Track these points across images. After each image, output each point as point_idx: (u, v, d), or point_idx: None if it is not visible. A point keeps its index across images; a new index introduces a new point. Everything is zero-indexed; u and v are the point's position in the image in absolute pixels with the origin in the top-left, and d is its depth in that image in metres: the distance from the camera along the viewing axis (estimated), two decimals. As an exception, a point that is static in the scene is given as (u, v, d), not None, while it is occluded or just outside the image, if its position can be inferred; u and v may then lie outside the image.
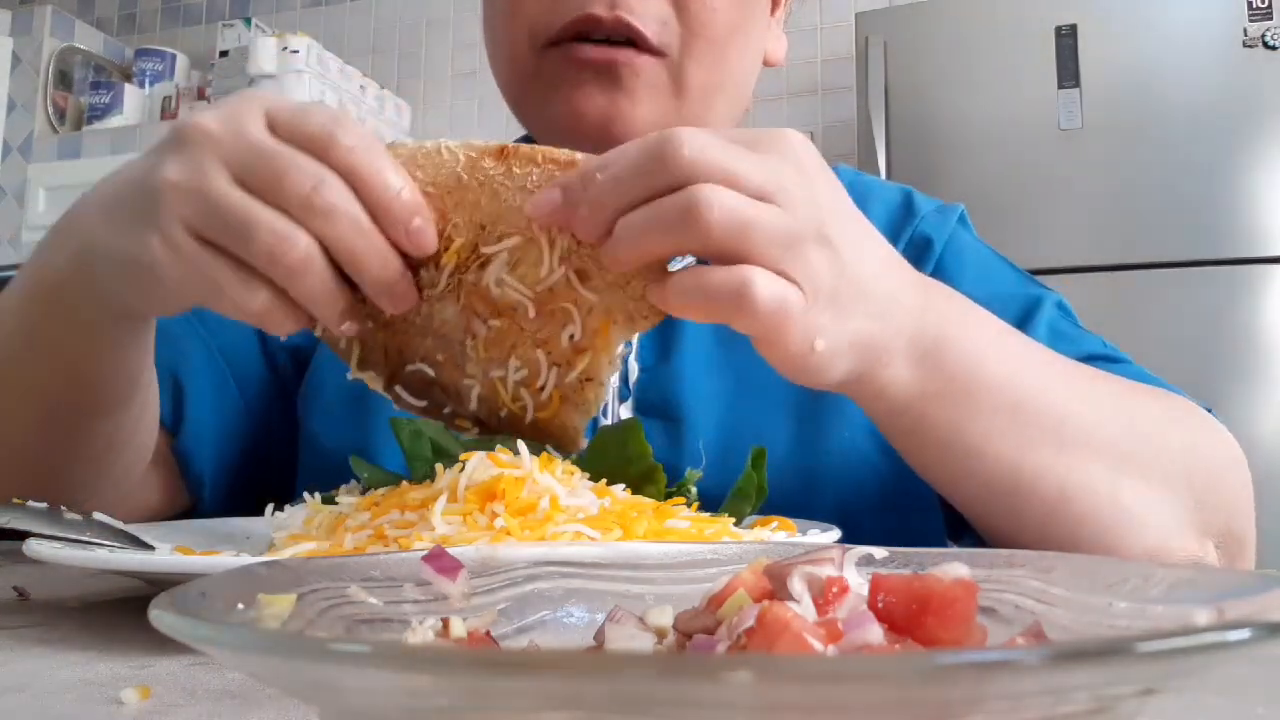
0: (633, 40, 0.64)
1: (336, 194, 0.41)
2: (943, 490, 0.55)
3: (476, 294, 0.45)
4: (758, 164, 0.40)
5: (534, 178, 0.43)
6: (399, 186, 0.42)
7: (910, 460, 0.54)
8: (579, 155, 0.43)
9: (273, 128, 0.42)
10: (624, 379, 0.68)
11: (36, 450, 0.57)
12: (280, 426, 0.76)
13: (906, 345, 0.46)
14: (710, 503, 0.56)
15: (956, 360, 0.48)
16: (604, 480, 0.50)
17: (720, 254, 0.40)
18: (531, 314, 0.45)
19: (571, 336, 0.45)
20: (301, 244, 0.41)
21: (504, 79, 0.71)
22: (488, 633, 0.27)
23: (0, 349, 0.55)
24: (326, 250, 0.42)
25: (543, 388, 0.46)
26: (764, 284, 0.40)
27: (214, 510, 0.71)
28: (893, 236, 0.74)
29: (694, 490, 0.56)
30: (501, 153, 0.44)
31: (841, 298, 0.43)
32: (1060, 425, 0.51)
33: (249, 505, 0.72)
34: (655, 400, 0.68)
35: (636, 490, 0.52)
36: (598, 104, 0.64)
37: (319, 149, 0.41)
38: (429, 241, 0.43)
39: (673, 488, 0.56)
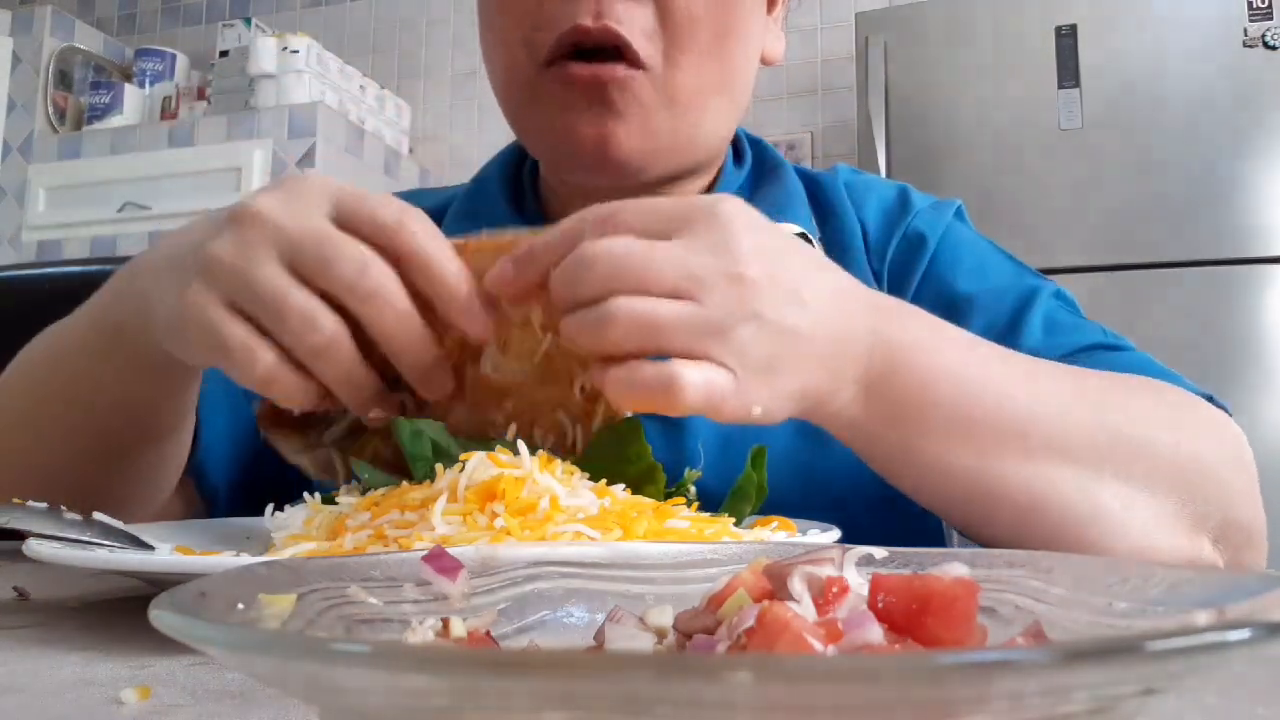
0: (620, 50, 0.64)
1: (381, 277, 0.44)
2: (915, 499, 0.55)
3: (480, 386, 0.48)
4: (671, 261, 0.42)
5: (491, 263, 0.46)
6: (460, 274, 0.45)
7: (877, 470, 0.54)
8: (523, 235, 0.46)
9: (340, 215, 0.45)
10: None
11: (84, 472, 0.60)
12: None
13: (851, 382, 0.48)
14: (710, 504, 0.55)
15: (905, 386, 0.49)
16: (603, 480, 0.50)
17: (643, 355, 0.43)
18: (536, 386, 0.48)
19: (582, 389, 0.47)
20: (327, 328, 0.44)
21: (503, 99, 0.71)
22: (488, 633, 0.27)
23: (62, 376, 0.59)
24: (367, 337, 0.45)
25: (574, 444, 0.49)
26: (690, 377, 0.42)
27: (229, 512, 0.73)
28: (887, 233, 0.74)
29: (693, 490, 0.56)
30: (461, 249, 0.46)
31: (780, 363, 0.44)
32: (1025, 434, 0.51)
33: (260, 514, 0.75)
34: None
35: (636, 490, 0.52)
36: (591, 126, 0.65)
37: (389, 234, 0.45)
38: (483, 326, 0.46)
39: (671, 488, 0.55)
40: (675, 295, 0.42)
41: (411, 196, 0.87)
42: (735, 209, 0.44)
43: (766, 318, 0.43)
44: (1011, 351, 0.56)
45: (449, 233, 0.74)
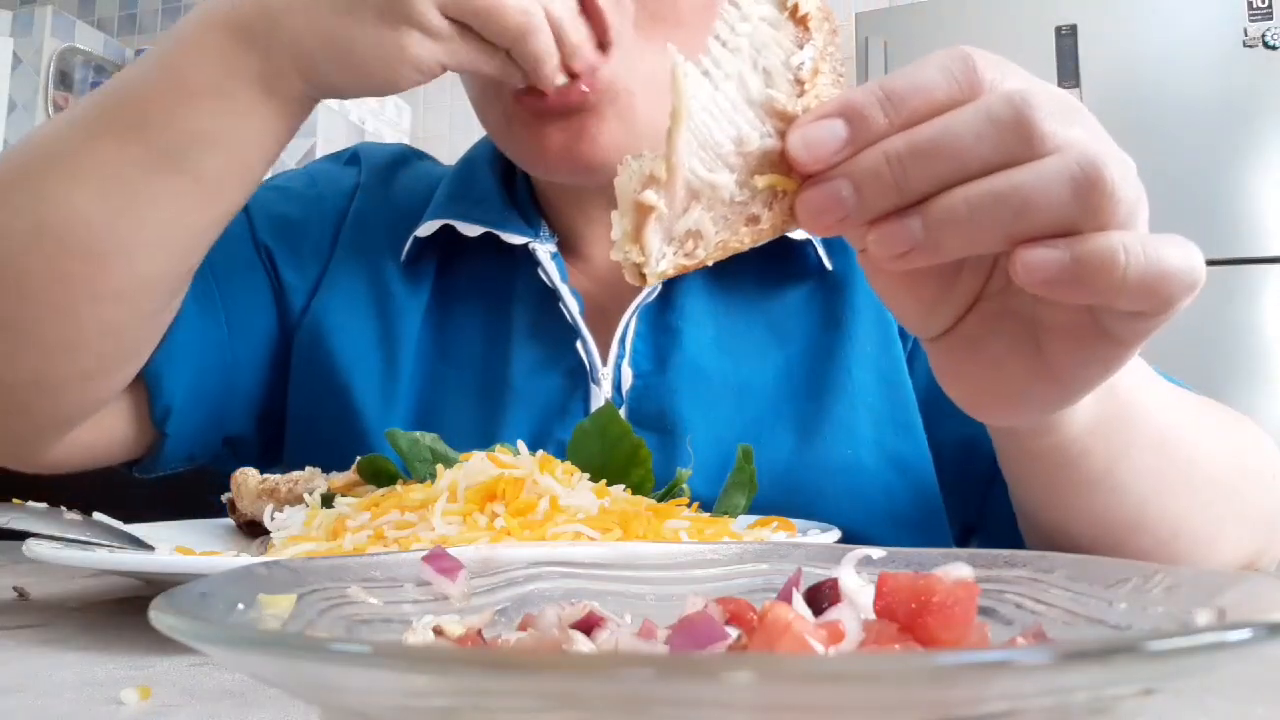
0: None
1: None
2: (1058, 525, 0.53)
3: None
4: (1102, 139, 0.34)
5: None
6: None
7: (1038, 496, 0.52)
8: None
9: None
10: (617, 386, 0.67)
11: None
12: (268, 388, 0.72)
13: None
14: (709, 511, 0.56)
15: (1122, 388, 0.46)
16: (591, 474, 0.50)
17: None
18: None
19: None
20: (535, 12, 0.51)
21: (487, 126, 0.69)
22: (479, 633, 0.27)
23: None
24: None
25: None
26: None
27: (173, 454, 0.67)
28: None
29: (686, 489, 0.56)
30: None
31: None
32: (1191, 466, 0.50)
33: (212, 454, 0.72)
34: (651, 411, 0.66)
35: (623, 474, 0.53)
36: (561, 132, 0.61)
37: None
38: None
39: (661, 490, 0.56)
40: None
41: (409, 156, 0.84)
42: None
43: None
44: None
45: (437, 212, 0.72)
